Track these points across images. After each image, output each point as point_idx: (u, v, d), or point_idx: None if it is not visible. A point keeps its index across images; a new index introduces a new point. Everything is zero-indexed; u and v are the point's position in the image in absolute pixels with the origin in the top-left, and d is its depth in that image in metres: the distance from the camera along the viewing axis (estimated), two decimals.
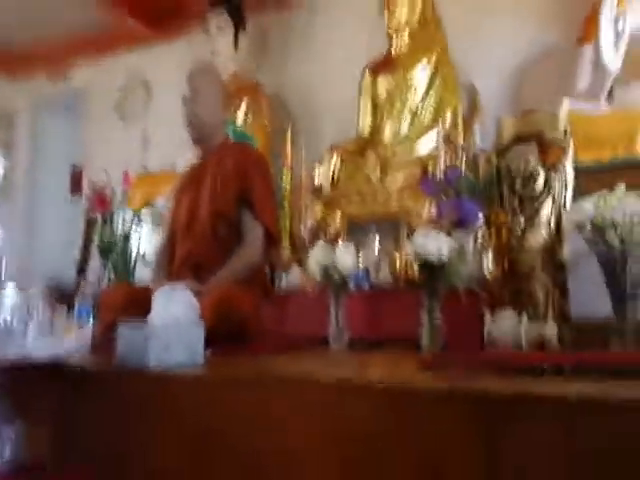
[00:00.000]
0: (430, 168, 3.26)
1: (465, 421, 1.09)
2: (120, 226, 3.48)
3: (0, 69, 5.82)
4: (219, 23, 4.24)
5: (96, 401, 1.56)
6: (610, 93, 3.19)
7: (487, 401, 1.08)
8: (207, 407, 1.38)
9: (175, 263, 2.37)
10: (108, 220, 3.51)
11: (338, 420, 1.21)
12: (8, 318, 1.45)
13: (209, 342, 1.72)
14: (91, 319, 2.00)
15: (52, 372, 1.57)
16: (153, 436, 1.45)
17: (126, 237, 3.45)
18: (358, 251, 2.42)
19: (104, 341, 2.02)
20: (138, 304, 1.98)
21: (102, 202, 3.49)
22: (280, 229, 2.66)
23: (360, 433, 1.18)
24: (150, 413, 1.46)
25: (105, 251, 3.42)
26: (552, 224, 1.87)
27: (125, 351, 1.59)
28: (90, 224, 3.84)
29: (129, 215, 3.62)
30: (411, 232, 2.55)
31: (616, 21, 3.14)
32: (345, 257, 2.28)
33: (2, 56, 5.79)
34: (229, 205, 2.33)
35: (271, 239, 2.38)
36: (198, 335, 1.66)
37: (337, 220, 3.53)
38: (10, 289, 1.49)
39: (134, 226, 3.58)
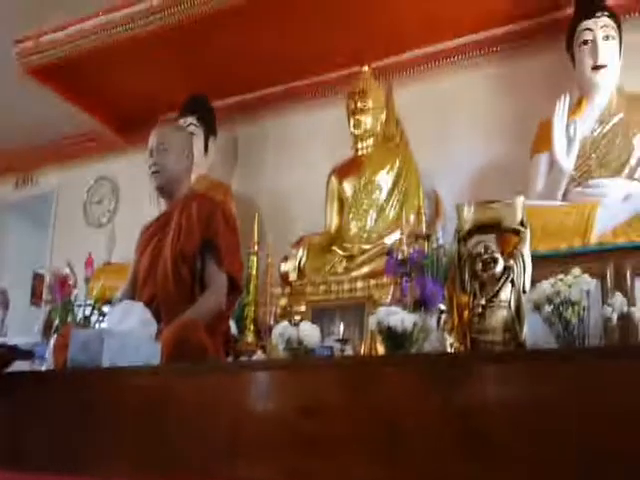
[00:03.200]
0: (394, 253, 3.31)
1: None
2: (81, 310, 3.39)
3: None
4: (189, 128, 4.36)
5: (49, 402, 1.47)
6: (565, 193, 3.36)
7: None
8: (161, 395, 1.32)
9: None
10: (68, 304, 3.43)
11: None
12: None
13: None
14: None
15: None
16: (108, 429, 1.37)
17: (86, 320, 3.36)
18: (322, 332, 2.40)
19: None
20: None
21: (63, 285, 3.42)
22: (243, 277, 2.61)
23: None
24: (106, 409, 1.39)
25: None
26: (512, 306, 1.91)
27: (78, 353, 1.51)
28: (51, 312, 3.73)
29: (89, 304, 3.54)
30: None
31: (567, 129, 3.35)
32: (309, 330, 2.26)
33: None
34: (193, 249, 2.31)
35: (235, 287, 2.36)
36: (153, 350, 1.60)
37: (302, 307, 3.51)
38: None
39: (95, 316, 3.50)
